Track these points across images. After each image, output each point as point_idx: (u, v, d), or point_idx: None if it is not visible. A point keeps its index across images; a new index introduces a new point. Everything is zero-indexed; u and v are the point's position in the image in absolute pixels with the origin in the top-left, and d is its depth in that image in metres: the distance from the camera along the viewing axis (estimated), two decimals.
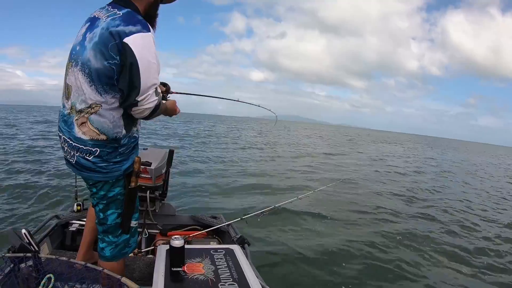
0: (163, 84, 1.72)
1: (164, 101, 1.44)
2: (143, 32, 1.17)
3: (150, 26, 1.22)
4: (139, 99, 1.19)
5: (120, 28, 1.15)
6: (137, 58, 1.14)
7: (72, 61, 1.25)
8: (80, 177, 1.38)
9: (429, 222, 5.33)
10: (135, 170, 1.32)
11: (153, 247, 2.01)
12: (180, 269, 1.37)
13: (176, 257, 1.38)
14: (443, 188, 9.45)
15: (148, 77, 1.19)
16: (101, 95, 1.20)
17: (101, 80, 1.19)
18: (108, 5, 1.27)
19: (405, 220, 5.15)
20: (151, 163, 2.09)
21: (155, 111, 1.28)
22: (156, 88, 1.25)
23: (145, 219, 2.25)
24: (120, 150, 1.30)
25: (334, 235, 3.92)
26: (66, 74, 1.29)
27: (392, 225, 4.78)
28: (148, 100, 1.22)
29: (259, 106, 2.61)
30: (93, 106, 1.21)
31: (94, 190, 1.35)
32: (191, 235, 2.15)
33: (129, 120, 1.30)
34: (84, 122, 1.22)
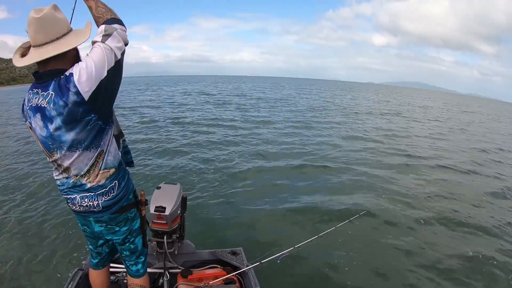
0: None
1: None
2: (73, 77, 1.21)
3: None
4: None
5: (71, 101, 1.21)
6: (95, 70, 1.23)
7: (54, 150, 1.34)
8: (97, 230, 1.59)
9: None
10: (142, 201, 1.66)
11: None
12: None
13: None
14: None
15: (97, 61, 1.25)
16: (100, 145, 1.36)
17: (96, 137, 1.33)
18: (36, 88, 1.29)
19: None
20: (165, 208, 2.16)
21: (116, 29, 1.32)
22: (101, 39, 1.28)
23: (165, 262, 2.33)
24: (125, 168, 1.55)
25: None
26: (55, 159, 1.38)
27: None
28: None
29: None
30: (99, 157, 1.38)
31: (117, 228, 1.57)
32: (210, 283, 2.18)
33: (117, 137, 1.48)
34: (96, 174, 1.40)
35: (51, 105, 1.23)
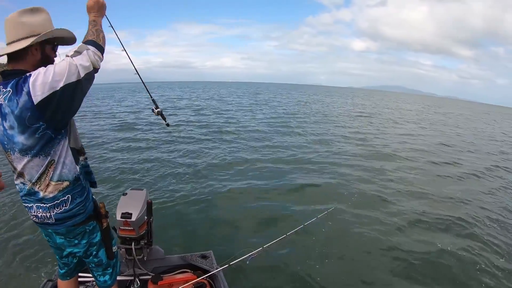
0: None
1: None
2: (29, 78, 1.23)
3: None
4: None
5: (22, 102, 1.23)
6: (58, 84, 1.25)
7: (9, 150, 1.36)
8: (59, 241, 1.56)
9: None
10: (102, 214, 1.62)
11: None
12: None
13: None
14: None
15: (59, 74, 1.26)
16: (50, 154, 1.35)
17: (45, 145, 1.32)
18: (1, 85, 1.33)
19: None
20: (131, 214, 2.16)
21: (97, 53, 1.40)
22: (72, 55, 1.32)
23: (134, 269, 2.32)
24: (84, 185, 1.51)
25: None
26: (11, 161, 1.40)
27: None
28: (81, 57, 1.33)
29: None
30: (49, 166, 1.37)
31: (76, 241, 1.55)
32: (180, 287, 2.21)
33: (74, 151, 1.46)
34: (47, 184, 1.39)
35: (6, 102, 1.26)
